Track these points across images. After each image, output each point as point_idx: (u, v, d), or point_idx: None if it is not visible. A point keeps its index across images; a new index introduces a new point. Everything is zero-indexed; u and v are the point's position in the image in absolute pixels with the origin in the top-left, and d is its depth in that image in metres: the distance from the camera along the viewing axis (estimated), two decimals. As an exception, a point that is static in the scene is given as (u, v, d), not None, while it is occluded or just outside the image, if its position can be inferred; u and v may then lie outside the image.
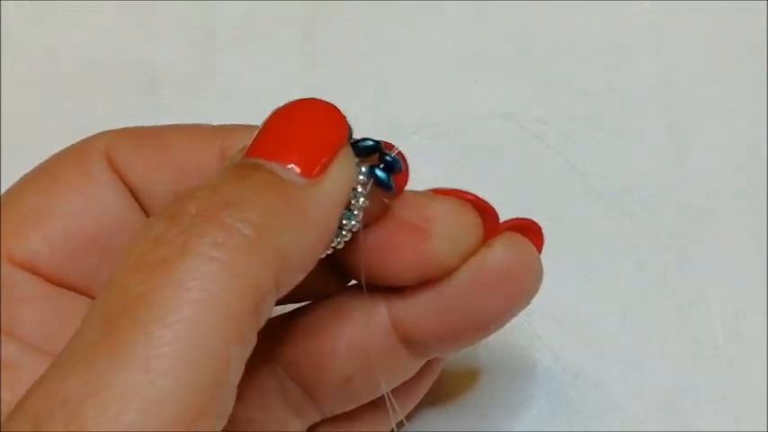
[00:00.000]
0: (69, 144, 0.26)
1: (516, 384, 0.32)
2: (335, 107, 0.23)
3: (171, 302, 0.18)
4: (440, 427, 0.31)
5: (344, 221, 0.23)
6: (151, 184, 0.25)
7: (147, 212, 0.25)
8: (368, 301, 0.24)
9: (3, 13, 0.39)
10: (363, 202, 0.23)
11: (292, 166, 0.21)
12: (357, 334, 0.24)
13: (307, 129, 0.22)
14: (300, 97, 0.23)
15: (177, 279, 0.19)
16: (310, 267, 0.22)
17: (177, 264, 0.19)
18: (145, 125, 0.26)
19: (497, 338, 0.33)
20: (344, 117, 0.23)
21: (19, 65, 0.38)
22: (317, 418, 0.26)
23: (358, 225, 0.23)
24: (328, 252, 0.23)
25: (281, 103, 0.23)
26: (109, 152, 0.25)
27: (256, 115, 0.38)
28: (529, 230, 0.25)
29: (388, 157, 0.23)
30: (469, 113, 0.37)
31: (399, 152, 0.24)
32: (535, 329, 0.32)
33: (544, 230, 0.35)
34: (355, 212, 0.23)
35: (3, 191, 0.26)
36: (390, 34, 0.38)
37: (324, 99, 0.23)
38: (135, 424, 0.17)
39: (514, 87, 0.37)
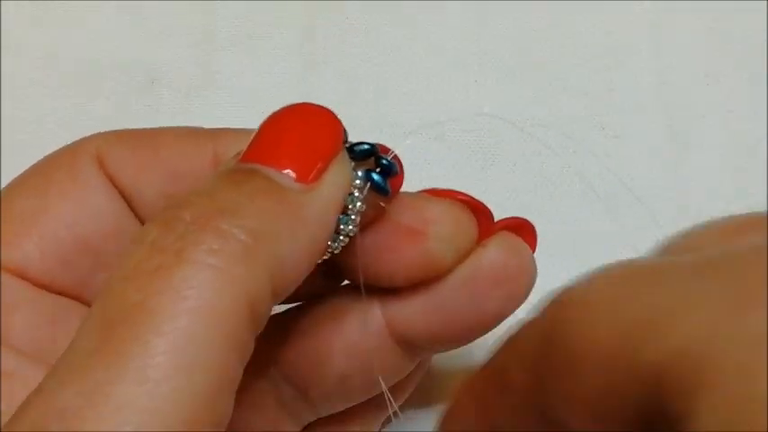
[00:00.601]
0: (69, 144, 0.26)
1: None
2: (331, 111, 0.23)
3: (167, 311, 0.18)
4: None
5: (341, 226, 0.23)
6: (142, 187, 0.25)
7: (138, 216, 0.25)
8: (363, 302, 0.24)
9: (3, 13, 0.39)
10: (360, 206, 0.23)
11: (288, 171, 0.21)
12: (352, 335, 0.24)
13: (302, 134, 0.22)
14: (298, 101, 0.23)
15: (173, 287, 0.18)
16: (307, 272, 0.22)
17: (173, 271, 0.19)
18: (137, 128, 0.26)
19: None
20: (340, 122, 0.22)
21: (19, 65, 0.38)
22: (311, 419, 0.26)
23: (355, 229, 0.23)
24: (325, 257, 0.23)
25: (280, 105, 0.23)
26: (100, 155, 0.25)
27: (256, 115, 0.38)
28: (522, 230, 0.25)
29: (384, 161, 0.23)
30: (469, 113, 0.37)
31: (395, 155, 0.24)
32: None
33: (544, 231, 0.35)
34: (352, 217, 0.23)
35: (3, 191, 0.26)
36: (390, 34, 0.38)
37: (319, 104, 0.23)
38: None
39: (514, 87, 0.37)
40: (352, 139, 0.23)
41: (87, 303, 0.25)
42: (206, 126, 0.26)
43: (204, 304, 0.18)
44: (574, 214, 0.34)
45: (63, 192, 0.24)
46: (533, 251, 0.25)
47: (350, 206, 0.23)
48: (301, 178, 0.21)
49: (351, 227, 0.23)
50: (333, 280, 0.26)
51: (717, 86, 0.37)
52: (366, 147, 0.23)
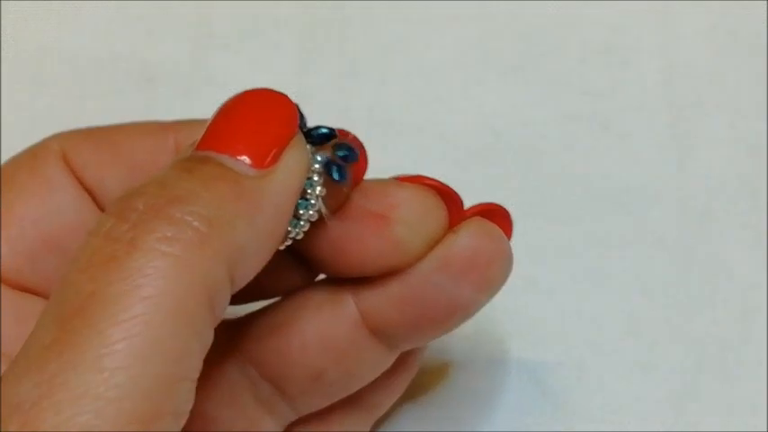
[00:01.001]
0: (32, 145, 0.26)
1: (517, 385, 0.32)
2: (285, 96, 0.22)
3: (122, 300, 0.18)
4: (434, 427, 0.31)
5: (301, 211, 0.22)
6: (107, 182, 0.25)
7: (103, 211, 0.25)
8: (335, 294, 0.24)
9: (3, 13, 0.39)
10: (320, 190, 0.22)
11: (243, 157, 0.21)
12: (325, 327, 0.24)
13: (256, 119, 0.22)
14: (296, 99, 0.23)
15: (127, 276, 0.18)
16: (266, 259, 0.21)
17: (126, 260, 0.19)
18: (100, 125, 0.26)
19: (498, 339, 0.33)
20: (295, 106, 0.22)
21: (19, 65, 0.38)
22: (292, 417, 0.26)
23: (315, 215, 0.23)
24: (287, 243, 0.23)
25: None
26: (65, 152, 0.25)
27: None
28: (496, 215, 0.25)
29: (341, 151, 0.23)
30: (470, 113, 0.36)
31: (354, 139, 0.23)
32: (538, 331, 0.33)
33: (544, 231, 0.35)
34: (312, 201, 0.22)
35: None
36: (390, 34, 0.38)
37: (273, 89, 0.22)
38: (91, 424, 0.17)
39: (516, 86, 0.37)
40: (362, 138, 0.23)
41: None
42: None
43: (159, 292, 0.18)
44: (574, 214, 0.34)
45: (27, 190, 0.24)
46: (509, 237, 0.25)
47: (308, 191, 0.22)
48: (257, 164, 0.21)
49: (311, 211, 0.22)
50: (307, 273, 0.25)
51: (721, 85, 0.37)
52: (324, 131, 0.23)
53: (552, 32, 0.38)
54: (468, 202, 0.35)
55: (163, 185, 0.20)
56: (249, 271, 0.21)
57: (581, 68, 0.37)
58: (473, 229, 0.24)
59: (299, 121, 0.22)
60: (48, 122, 0.37)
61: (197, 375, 0.19)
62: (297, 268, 0.25)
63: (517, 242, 0.34)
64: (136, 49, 0.38)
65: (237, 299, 0.23)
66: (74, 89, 0.37)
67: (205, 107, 0.37)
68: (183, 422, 0.19)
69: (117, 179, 0.25)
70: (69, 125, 0.36)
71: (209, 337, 0.20)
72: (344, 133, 0.23)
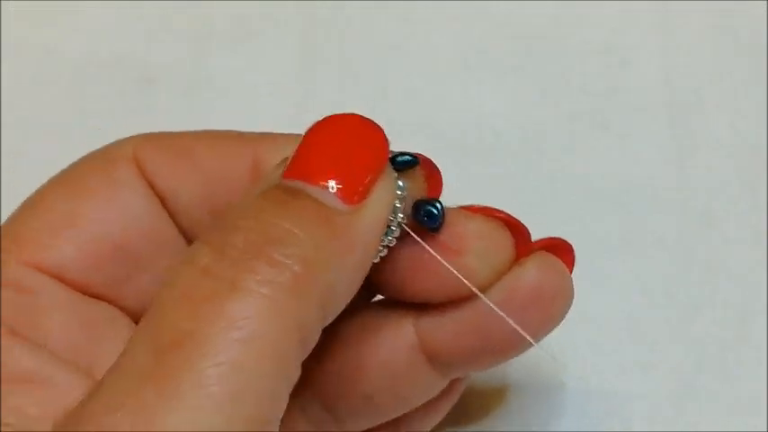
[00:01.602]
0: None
1: (518, 386, 0.32)
2: (375, 123, 0.22)
3: (220, 341, 0.18)
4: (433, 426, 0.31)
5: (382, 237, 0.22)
6: (180, 191, 0.25)
7: (174, 220, 0.25)
8: (395, 318, 0.24)
9: (3, 13, 0.39)
10: (402, 218, 0.22)
11: (334, 190, 0.21)
12: (384, 352, 0.24)
13: (346, 147, 0.21)
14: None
15: (227, 317, 0.19)
16: (354, 291, 0.21)
17: (227, 301, 0.19)
18: (174, 131, 0.26)
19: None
20: (384, 134, 0.22)
21: (19, 65, 0.38)
22: None
23: (394, 241, 0.22)
24: None
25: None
26: (138, 157, 0.25)
27: (255, 115, 0.38)
28: (560, 249, 0.25)
29: (431, 208, 0.23)
30: (470, 113, 0.36)
31: (433, 170, 0.24)
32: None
33: (544, 231, 0.34)
34: (392, 228, 0.22)
35: (3, 190, 0.26)
36: (390, 34, 0.38)
37: (362, 114, 0.22)
38: None
39: (515, 87, 0.37)
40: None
41: (121, 307, 0.25)
42: (205, 125, 0.26)
43: (256, 336, 0.19)
44: (574, 214, 0.34)
45: (99, 195, 0.24)
46: (571, 272, 0.25)
47: (391, 217, 0.22)
48: (348, 197, 0.21)
49: (391, 238, 0.22)
50: (367, 293, 0.25)
51: (721, 85, 0.37)
52: (408, 158, 0.23)
53: (552, 32, 0.38)
54: (468, 202, 0.35)
55: (260, 222, 0.20)
56: (339, 308, 0.21)
57: (581, 68, 0.37)
58: (539, 263, 0.24)
59: (387, 146, 0.22)
60: (48, 122, 0.37)
61: (283, 413, 0.20)
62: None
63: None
64: (136, 49, 0.38)
65: None
66: (74, 89, 0.37)
67: (206, 108, 0.37)
68: None
69: (190, 188, 0.25)
70: (69, 125, 0.36)
71: (296, 376, 0.20)
72: (426, 161, 0.24)
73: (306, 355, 0.20)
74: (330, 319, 0.21)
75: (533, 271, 0.24)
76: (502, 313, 0.23)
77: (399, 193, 0.22)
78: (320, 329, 0.21)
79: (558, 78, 0.37)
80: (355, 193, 0.21)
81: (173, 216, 0.25)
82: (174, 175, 0.25)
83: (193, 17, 0.39)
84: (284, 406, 0.20)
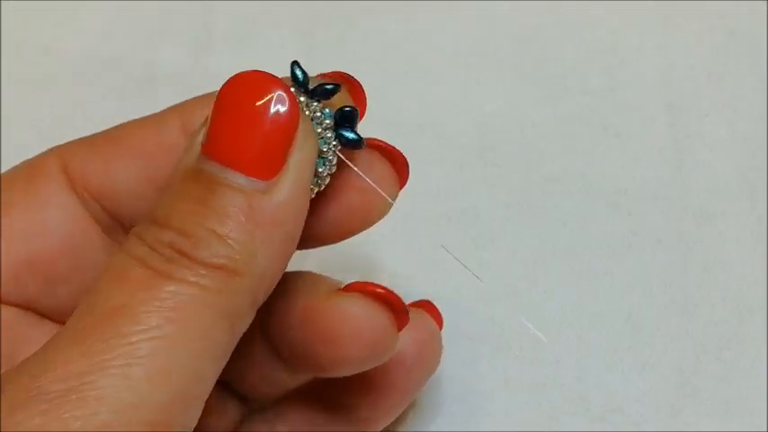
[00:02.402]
0: (30, 158, 0.26)
1: (518, 386, 0.32)
2: (276, 78, 0.22)
3: (153, 317, 0.19)
4: (433, 426, 0.31)
5: (320, 169, 0.23)
6: (118, 179, 0.25)
7: (120, 210, 0.25)
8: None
9: (3, 13, 0.39)
10: (335, 145, 0.23)
11: (249, 169, 0.21)
12: None
13: (253, 116, 0.21)
14: (244, 72, 0.22)
15: (160, 298, 0.20)
16: (289, 257, 0.22)
17: (162, 285, 0.20)
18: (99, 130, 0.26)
19: (498, 339, 0.33)
20: (285, 88, 0.21)
21: (19, 65, 0.38)
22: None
23: (335, 167, 0.23)
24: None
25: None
26: (65, 164, 0.25)
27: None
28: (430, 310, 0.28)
29: (347, 110, 0.23)
30: (469, 113, 0.36)
31: (355, 89, 0.24)
32: (538, 331, 0.32)
33: (544, 231, 0.35)
34: (329, 157, 0.23)
35: (2, 190, 0.26)
36: (390, 34, 0.38)
37: (262, 72, 0.22)
38: (109, 424, 0.18)
39: (514, 87, 0.37)
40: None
41: (43, 315, 0.25)
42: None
43: (188, 318, 0.20)
44: (574, 214, 0.34)
45: (19, 208, 0.25)
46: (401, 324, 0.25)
47: (324, 149, 0.23)
48: (263, 174, 0.21)
49: (329, 167, 0.23)
50: None
51: (720, 85, 0.37)
52: (329, 87, 0.23)
53: (552, 32, 0.38)
54: (468, 202, 0.35)
55: (185, 222, 0.21)
56: (273, 284, 0.22)
57: (581, 68, 0.37)
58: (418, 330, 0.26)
59: (297, 103, 0.22)
60: (48, 123, 0.37)
61: (208, 395, 0.21)
62: None
63: (517, 242, 0.34)
64: (136, 49, 0.38)
65: None
66: (74, 89, 0.37)
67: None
68: None
69: (128, 174, 0.25)
70: (69, 125, 0.36)
71: (226, 358, 0.21)
72: (348, 80, 0.24)
73: (237, 340, 0.21)
74: (266, 297, 0.22)
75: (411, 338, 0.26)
76: (374, 184, 0.24)
77: (328, 122, 0.23)
78: (252, 315, 0.21)
79: (558, 78, 0.37)
80: (270, 166, 0.21)
81: (118, 205, 0.25)
82: (105, 166, 0.25)
83: (193, 17, 0.39)
84: (209, 388, 0.20)
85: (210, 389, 0.20)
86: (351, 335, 0.24)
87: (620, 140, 0.36)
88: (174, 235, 0.21)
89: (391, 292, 0.24)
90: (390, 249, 0.34)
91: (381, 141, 0.25)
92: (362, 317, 0.24)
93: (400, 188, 0.25)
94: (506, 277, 0.33)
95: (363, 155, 0.24)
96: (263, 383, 0.27)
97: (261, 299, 0.21)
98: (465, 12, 0.38)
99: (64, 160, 0.25)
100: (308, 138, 0.22)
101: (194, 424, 0.20)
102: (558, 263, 0.34)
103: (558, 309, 0.33)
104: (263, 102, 0.21)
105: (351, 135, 0.23)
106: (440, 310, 0.29)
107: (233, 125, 0.21)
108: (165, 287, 0.20)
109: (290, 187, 0.21)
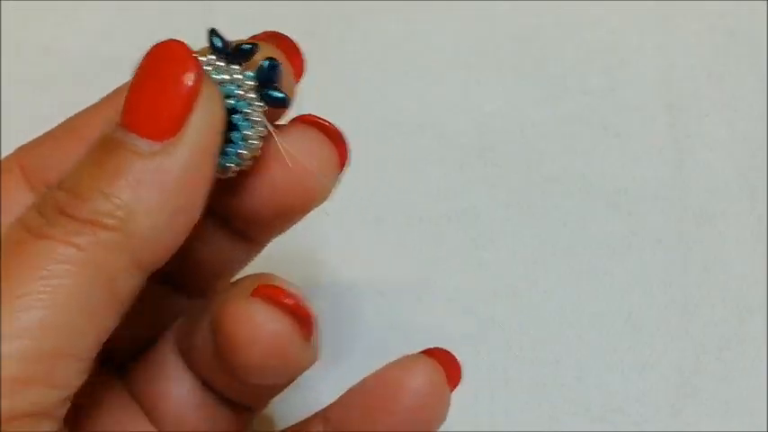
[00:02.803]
0: None
1: (518, 386, 0.32)
2: (177, 42, 0.22)
3: (22, 279, 0.20)
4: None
5: (246, 132, 0.22)
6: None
7: None
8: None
9: (3, 13, 0.39)
10: (260, 106, 0.22)
11: (147, 132, 0.21)
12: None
13: (157, 83, 0.22)
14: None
15: (31, 259, 0.20)
16: (181, 236, 0.22)
17: (33, 246, 0.20)
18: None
19: (498, 340, 0.33)
20: (186, 50, 0.22)
21: (19, 65, 0.38)
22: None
23: (264, 130, 0.23)
24: (246, 165, 0.23)
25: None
26: (21, 162, 0.25)
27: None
28: (448, 362, 0.25)
29: (268, 64, 0.22)
30: (469, 113, 0.36)
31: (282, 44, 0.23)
32: (537, 331, 0.33)
33: (545, 231, 0.35)
34: (257, 119, 0.22)
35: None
36: (390, 34, 0.38)
37: (172, 39, 0.22)
38: None
39: (515, 87, 0.37)
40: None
41: None
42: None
43: (56, 275, 0.20)
44: (574, 214, 0.34)
45: None
46: (454, 385, 0.25)
47: (247, 110, 0.22)
48: (157, 136, 0.21)
49: (260, 128, 0.22)
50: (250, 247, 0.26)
51: (720, 85, 0.37)
52: (246, 47, 0.23)
53: (552, 32, 0.38)
54: (467, 202, 0.35)
55: (76, 184, 0.21)
56: (164, 250, 0.22)
57: (581, 68, 0.37)
58: (412, 368, 0.24)
59: (200, 68, 0.22)
60: (48, 122, 0.37)
61: (89, 354, 0.21)
62: (236, 239, 0.25)
63: (517, 242, 0.34)
64: (136, 49, 0.38)
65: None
66: (74, 89, 0.37)
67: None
68: (62, 396, 0.21)
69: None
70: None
71: (109, 321, 0.21)
72: (278, 37, 0.23)
73: (125, 303, 0.21)
74: (158, 263, 0.22)
75: (419, 379, 0.24)
76: (289, 149, 0.23)
77: (250, 83, 0.22)
78: (137, 277, 0.21)
79: (558, 78, 0.37)
80: (168, 129, 0.21)
81: None
82: (62, 159, 0.25)
83: (193, 17, 0.39)
84: (89, 349, 0.21)
85: (93, 348, 0.21)
86: (249, 340, 0.23)
87: (620, 140, 0.36)
88: (63, 195, 0.21)
89: (298, 302, 0.23)
90: (390, 249, 0.34)
91: (316, 117, 0.24)
92: (260, 322, 0.23)
93: (341, 166, 0.24)
94: (506, 277, 0.33)
95: (296, 132, 0.24)
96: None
97: (147, 263, 0.21)
98: (465, 12, 0.38)
99: (20, 159, 0.26)
100: (211, 102, 0.22)
101: (73, 383, 0.21)
102: (558, 263, 0.34)
103: (558, 309, 0.33)
104: (165, 67, 0.22)
105: (275, 93, 0.22)
106: (459, 363, 0.26)
107: (140, 93, 0.22)
108: (37, 248, 0.20)
109: (187, 150, 0.21)
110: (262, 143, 0.23)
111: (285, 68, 0.23)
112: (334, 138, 0.24)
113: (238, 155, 0.22)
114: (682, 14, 0.38)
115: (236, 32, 0.38)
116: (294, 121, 0.24)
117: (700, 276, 0.33)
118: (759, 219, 0.34)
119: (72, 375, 0.21)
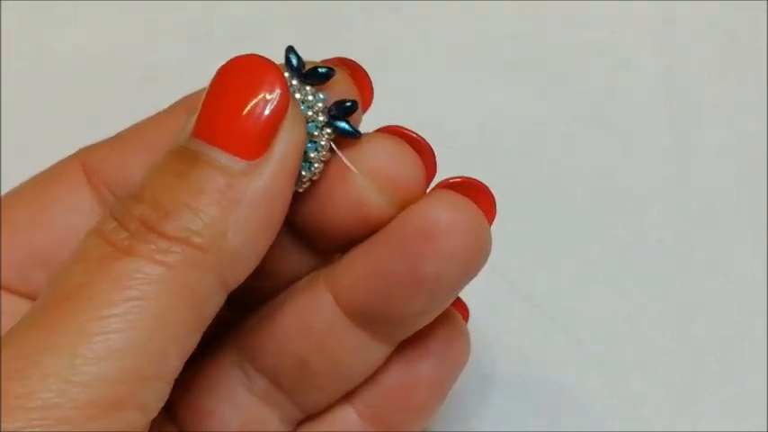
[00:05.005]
0: (68, 143, 0.26)
1: (520, 388, 0.32)
2: (270, 62, 0.22)
3: (107, 297, 0.19)
4: (432, 426, 0.31)
5: (312, 154, 0.22)
6: (132, 170, 0.25)
7: None
8: (310, 280, 0.24)
9: (3, 13, 0.39)
10: (330, 133, 0.22)
11: (233, 148, 0.21)
12: (302, 313, 0.24)
13: (243, 98, 0.21)
14: (241, 55, 0.22)
15: (118, 277, 0.20)
16: (264, 250, 0.21)
17: (120, 262, 0.20)
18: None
19: (498, 339, 0.33)
20: (278, 72, 0.22)
21: (19, 65, 0.38)
22: (298, 415, 0.25)
23: (328, 154, 0.22)
24: (305, 186, 0.23)
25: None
26: (85, 163, 0.25)
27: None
28: (472, 189, 0.24)
29: (348, 103, 0.23)
30: (469, 113, 0.36)
31: (358, 76, 0.24)
32: (537, 331, 0.33)
33: (544, 231, 0.35)
34: (322, 143, 0.22)
35: (3, 190, 0.26)
36: (390, 34, 0.38)
37: (259, 54, 0.22)
38: (53, 402, 0.18)
39: (515, 87, 0.37)
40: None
41: None
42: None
43: (144, 296, 0.19)
44: (574, 214, 0.34)
45: (29, 202, 0.25)
46: (490, 216, 0.24)
47: (315, 133, 0.22)
48: (245, 154, 0.21)
49: (322, 153, 0.22)
50: (317, 257, 0.25)
51: (722, 85, 0.37)
52: (323, 70, 0.23)
53: (552, 32, 0.38)
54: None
55: (159, 195, 0.21)
56: (246, 269, 0.21)
57: (581, 68, 0.37)
58: (435, 197, 0.23)
59: (288, 88, 0.22)
60: (48, 122, 0.37)
61: (172, 377, 0.20)
62: (305, 252, 0.25)
63: (517, 243, 0.34)
64: (136, 48, 0.38)
65: (254, 293, 0.24)
66: (74, 89, 0.37)
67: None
68: (150, 416, 0.20)
69: (142, 165, 0.24)
70: (69, 125, 0.36)
71: (192, 341, 0.21)
72: (350, 65, 0.24)
73: (207, 323, 0.21)
74: (239, 281, 0.21)
75: (426, 203, 0.23)
76: (355, 169, 0.22)
77: (320, 105, 0.22)
78: (222, 296, 0.21)
79: (557, 78, 0.37)
80: (254, 148, 0.21)
81: None
82: (123, 161, 0.25)
83: (193, 17, 0.39)
84: (172, 371, 0.20)
85: (176, 370, 0.20)
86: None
87: (620, 140, 0.36)
88: (145, 207, 0.20)
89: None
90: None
91: (403, 128, 0.24)
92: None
93: (428, 181, 0.24)
94: (506, 276, 0.33)
95: (377, 143, 0.23)
96: None
97: (231, 282, 0.21)
98: (465, 11, 0.38)
99: (84, 160, 0.25)
100: (296, 123, 0.22)
101: (157, 405, 0.20)
102: (559, 263, 0.34)
103: (557, 309, 0.33)
104: (253, 85, 0.21)
105: (343, 125, 0.22)
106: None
107: (222, 107, 0.21)
108: (124, 265, 0.20)
109: (273, 171, 0.21)
110: (323, 167, 0.23)
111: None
112: (422, 151, 0.24)
113: (299, 176, 0.22)
114: (682, 14, 0.38)
115: (236, 32, 0.38)
116: (380, 130, 0.24)
117: (700, 276, 0.33)
118: (760, 218, 0.34)
119: (159, 398, 0.20)
